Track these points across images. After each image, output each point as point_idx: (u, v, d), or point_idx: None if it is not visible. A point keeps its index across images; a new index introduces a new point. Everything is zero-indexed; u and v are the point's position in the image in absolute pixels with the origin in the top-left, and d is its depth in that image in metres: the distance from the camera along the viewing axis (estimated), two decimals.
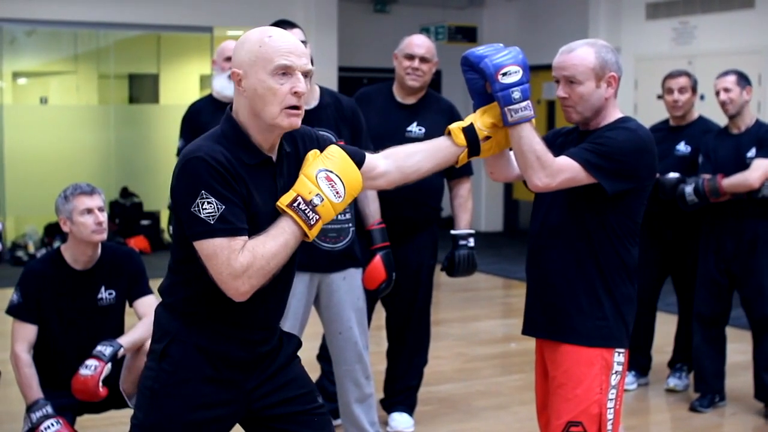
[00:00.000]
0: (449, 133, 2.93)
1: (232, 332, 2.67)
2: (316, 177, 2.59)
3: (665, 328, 6.50)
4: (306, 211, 2.56)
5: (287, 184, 2.65)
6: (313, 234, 2.59)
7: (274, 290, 2.65)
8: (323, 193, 2.58)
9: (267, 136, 2.62)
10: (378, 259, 4.36)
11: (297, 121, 2.59)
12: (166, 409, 2.66)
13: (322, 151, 2.72)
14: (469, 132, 2.92)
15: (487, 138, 2.94)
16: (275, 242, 2.53)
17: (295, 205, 2.56)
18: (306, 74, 2.59)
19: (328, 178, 2.60)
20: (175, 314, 2.68)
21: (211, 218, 2.48)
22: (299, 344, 2.91)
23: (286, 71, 2.54)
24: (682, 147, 5.66)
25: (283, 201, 2.57)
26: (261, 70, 2.54)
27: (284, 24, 4.02)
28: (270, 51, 2.54)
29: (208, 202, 2.49)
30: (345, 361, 4.34)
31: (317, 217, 2.58)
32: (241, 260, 2.48)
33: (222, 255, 2.48)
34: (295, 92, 2.55)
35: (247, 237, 2.52)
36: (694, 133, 5.67)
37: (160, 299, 2.76)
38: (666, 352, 6.17)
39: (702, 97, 10.04)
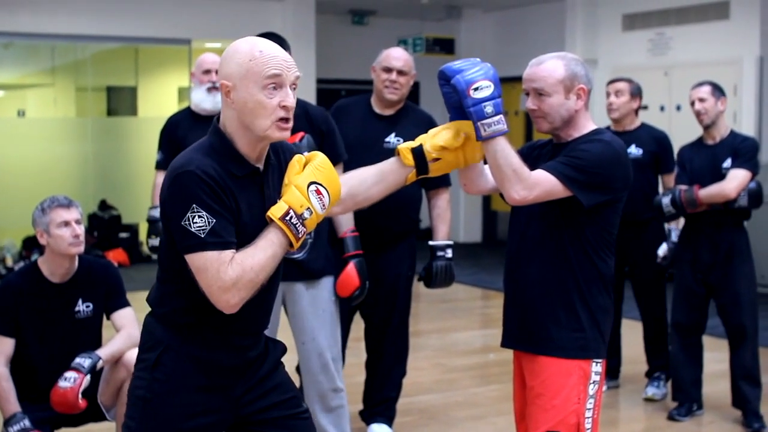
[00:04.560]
0: (398, 154, 2.93)
1: (222, 339, 2.70)
2: (308, 189, 2.60)
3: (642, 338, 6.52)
4: (296, 225, 2.58)
5: (273, 194, 2.67)
6: (297, 245, 2.61)
7: (263, 297, 2.67)
8: (312, 206, 2.60)
9: (255, 147, 2.64)
10: (351, 266, 4.39)
11: (287, 134, 2.62)
12: (159, 418, 2.68)
13: None
14: (418, 153, 2.91)
15: (436, 159, 2.93)
16: (264, 254, 2.55)
17: (288, 218, 2.57)
18: (293, 85, 2.61)
19: (318, 191, 2.61)
20: (166, 324, 2.70)
21: (201, 232, 2.50)
22: (284, 350, 2.95)
23: (276, 85, 2.57)
24: (634, 150, 5.81)
25: (275, 213, 2.58)
26: (251, 84, 2.56)
27: (273, 37, 4.00)
28: (261, 66, 2.55)
29: (199, 216, 2.50)
30: (309, 371, 4.36)
31: (305, 229, 2.60)
32: (230, 273, 2.51)
33: (212, 268, 2.50)
34: (284, 106, 2.58)
35: (235, 250, 2.54)
36: (642, 136, 5.87)
37: (149, 309, 2.77)
38: (643, 362, 6.19)
39: (678, 108, 10.13)
